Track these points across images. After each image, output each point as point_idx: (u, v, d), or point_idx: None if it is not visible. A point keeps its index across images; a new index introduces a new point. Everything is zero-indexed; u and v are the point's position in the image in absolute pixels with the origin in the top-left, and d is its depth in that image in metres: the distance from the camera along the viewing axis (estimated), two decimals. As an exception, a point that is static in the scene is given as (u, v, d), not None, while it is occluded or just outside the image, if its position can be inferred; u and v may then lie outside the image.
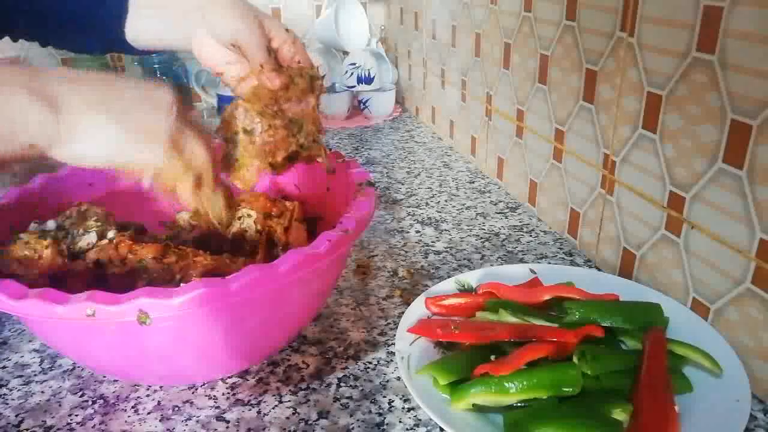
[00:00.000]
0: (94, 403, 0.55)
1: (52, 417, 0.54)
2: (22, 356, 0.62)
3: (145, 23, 0.57)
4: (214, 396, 0.56)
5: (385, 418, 0.53)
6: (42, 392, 0.57)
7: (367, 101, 1.44)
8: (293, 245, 0.61)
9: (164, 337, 0.48)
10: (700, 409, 0.49)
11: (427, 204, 0.96)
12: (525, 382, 0.48)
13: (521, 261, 0.78)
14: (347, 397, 0.55)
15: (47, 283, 0.51)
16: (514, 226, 0.88)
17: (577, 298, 0.59)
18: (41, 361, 0.61)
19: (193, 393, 0.56)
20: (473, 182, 1.05)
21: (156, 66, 1.40)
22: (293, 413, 0.54)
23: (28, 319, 0.52)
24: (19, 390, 0.57)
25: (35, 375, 0.59)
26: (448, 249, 0.82)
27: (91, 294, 0.44)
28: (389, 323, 0.66)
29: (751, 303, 0.54)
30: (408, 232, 0.87)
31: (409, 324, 0.58)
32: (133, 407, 0.55)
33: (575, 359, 0.51)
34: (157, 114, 0.47)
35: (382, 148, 1.26)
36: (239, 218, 0.65)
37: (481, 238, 0.84)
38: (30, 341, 0.64)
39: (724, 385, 0.50)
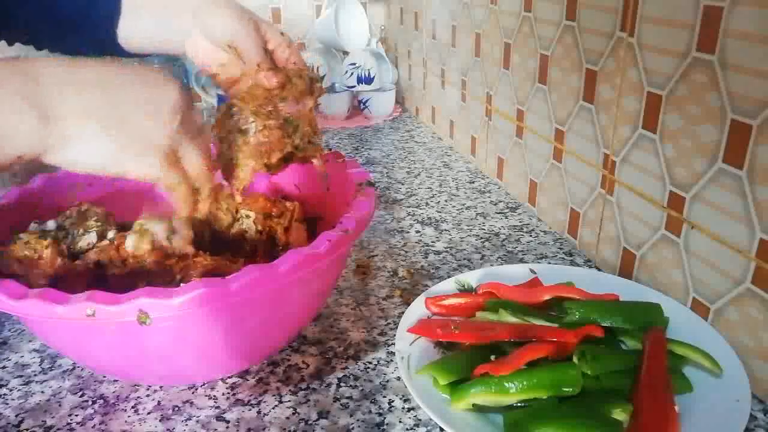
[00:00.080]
0: (94, 403, 0.55)
1: (52, 417, 0.54)
2: (22, 356, 0.62)
3: (137, 25, 0.57)
4: (214, 396, 0.56)
5: (385, 418, 0.53)
6: (42, 392, 0.57)
7: (367, 101, 1.44)
8: (293, 245, 0.61)
9: (164, 337, 0.48)
10: (700, 409, 0.49)
11: (427, 204, 0.96)
12: (525, 382, 0.48)
13: (521, 261, 0.78)
14: (347, 397, 0.55)
15: (47, 283, 0.52)
16: (514, 226, 0.88)
17: (577, 298, 0.59)
18: (41, 361, 0.61)
19: (193, 393, 0.56)
20: (473, 182, 1.05)
21: (155, 66, 1.40)
22: (293, 413, 0.54)
23: (28, 319, 0.52)
24: (19, 390, 0.57)
25: (35, 375, 0.59)
26: (448, 249, 0.82)
27: (91, 294, 0.44)
28: (389, 323, 0.66)
29: (751, 303, 0.54)
30: (408, 232, 0.87)
31: (409, 324, 0.58)
32: (133, 407, 0.55)
33: (575, 359, 0.51)
34: (157, 121, 0.45)
35: (382, 148, 1.26)
36: (239, 219, 0.65)
37: (481, 238, 0.84)
38: (30, 341, 0.64)
39: (724, 385, 0.50)
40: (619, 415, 0.47)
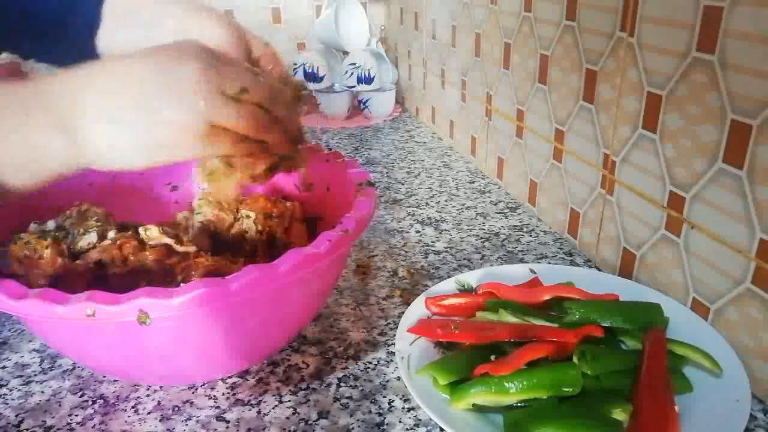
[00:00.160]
0: (94, 403, 0.55)
1: (52, 417, 0.54)
2: (22, 356, 0.62)
3: (119, 33, 0.56)
4: (214, 396, 0.56)
5: (385, 418, 0.53)
6: (42, 392, 0.57)
7: (367, 101, 1.44)
8: (293, 245, 0.61)
9: (164, 337, 0.48)
10: (700, 409, 0.49)
11: (427, 204, 0.96)
12: (525, 382, 0.48)
13: (521, 261, 0.78)
14: (347, 397, 0.55)
15: (47, 283, 0.52)
16: (514, 226, 0.88)
17: (577, 298, 0.59)
18: (41, 361, 0.61)
19: (193, 393, 0.56)
20: (473, 182, 1.05)
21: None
22: (293, 413, 0.54)
23: (28, 319, 0.52)
24: (19, 390, 0.57)
25: (35, 375, 0.59)
26: (448, 249, 0.82)
27: (91, 294, 0.44)
28: (389, 323, 0.66)
29: (751, 303, 0.54)
30: (408, 232, 0.87)
31: (409, 324, 0.58)
32: (133, 407, 0.55)
33: (575, 359, 0.51)
34: (182, 103, 0.41)
35: (382, 148, 1.26)
36: (239, 219, 0.65)
37: (481, 238, 0.84)
38: (30, 341, 0.64)
39: (724, 385, 0.50)
40: (619, 415, 0.47)
